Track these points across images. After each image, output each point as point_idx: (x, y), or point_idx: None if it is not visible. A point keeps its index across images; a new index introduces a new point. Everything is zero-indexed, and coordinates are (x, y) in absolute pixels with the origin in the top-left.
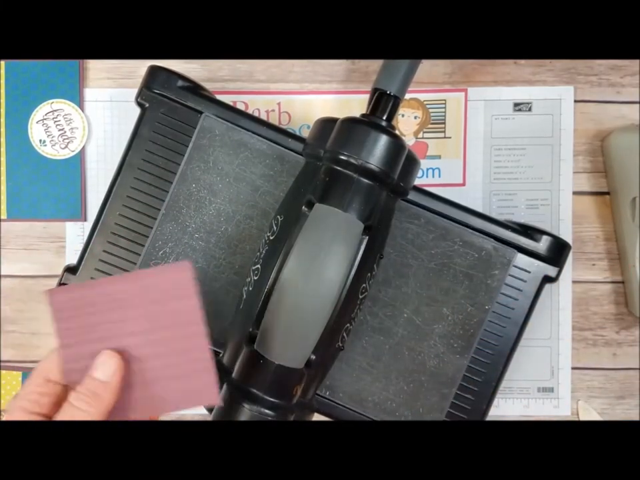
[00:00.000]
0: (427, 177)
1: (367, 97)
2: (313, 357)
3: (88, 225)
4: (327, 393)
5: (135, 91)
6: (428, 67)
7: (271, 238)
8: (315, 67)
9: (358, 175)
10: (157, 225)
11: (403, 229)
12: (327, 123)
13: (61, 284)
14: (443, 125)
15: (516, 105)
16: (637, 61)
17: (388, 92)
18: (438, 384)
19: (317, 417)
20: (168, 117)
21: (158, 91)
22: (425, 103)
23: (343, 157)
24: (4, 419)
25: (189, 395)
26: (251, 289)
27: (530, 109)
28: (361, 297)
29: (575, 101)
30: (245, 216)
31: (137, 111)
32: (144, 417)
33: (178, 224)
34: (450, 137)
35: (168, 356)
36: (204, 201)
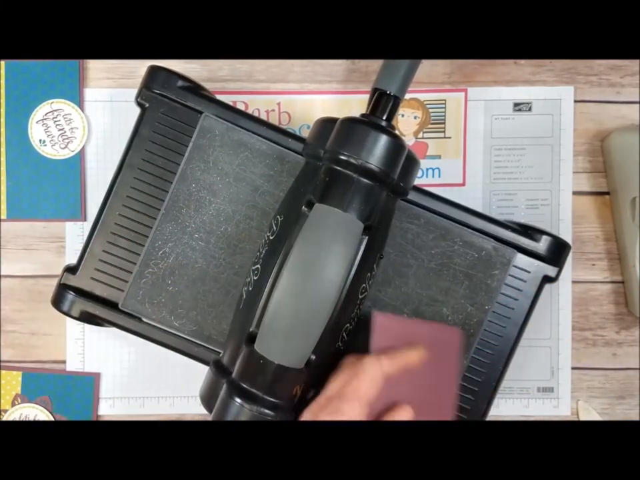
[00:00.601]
0: (427, 177)
1: (366, 97)
2: (313, 357)
3: (88, 225)
4: None
5: (134, 91)
6: (428, 67)
7: (271, 238)
8: (314, 67)
9: (358, 175)
10: (157, 225)
11: (402, 229)
12: (326, 123)
13: (60, 284)
14: (442, 125)
15: (516, 105)
16: (637, 60)
17: (388, 92)
18: None
19: None
20: (168, 117)
21: (158, 91)
22: (425, 103)
23: (342, 157)
24: None
25: (427, 413)
26: (250, 289)
27: (530, 109)
28: (360, 297)
29: (575, 101)
30: (245, 216)
31: (136, 110)
32: None
33: (178, 224)
34: (450, 137)
35: (428, 390)
36: (204, 200)
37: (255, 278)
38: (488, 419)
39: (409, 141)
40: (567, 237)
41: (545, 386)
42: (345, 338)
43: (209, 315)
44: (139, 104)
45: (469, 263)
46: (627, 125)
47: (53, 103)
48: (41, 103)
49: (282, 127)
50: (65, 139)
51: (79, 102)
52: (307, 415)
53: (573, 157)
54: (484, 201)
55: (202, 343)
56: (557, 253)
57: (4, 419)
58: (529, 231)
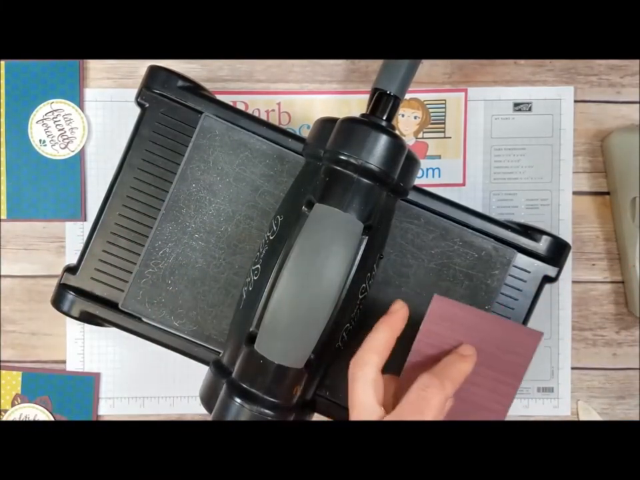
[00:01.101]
0: (427, 177)
1: (366, 97)
2: (313, 356)
3: (88, 225)
4: (327, 393)
5: (134, 91)
6: (428, 67)
7: (271, 238)
8: (314, 67)
9: (358, 175)
10: (157, 225)
11: (402, 229)
12: (326, 123)
13: (60, 284)
14: (442, 125)
15: (516, 105)
16: (637, 60)
17: (388, 92)
18: None
19: (317, 417)
20: (168, 117)
21: (158, 91)
22: (425, 103)
23: (342, 157)
24: None
25: (478, 416)
26: (250, 289)
27: (530, 109)
28: (360, 297)
29: (575, 101)
30: (245, 216)
31: (136, 110)
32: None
33: (178, 224)
34: (450, 137)
35: (480, 386)
36: (204, 201)
37: (255, 278)
38: None
39: (409, 141)
40: (567, 237)
41: (545, 386)
42: (345, 338)
43: (209, 315)
44: (139, 104)
45: (468, 262)
46: (627, 125)
47: (52, 103)
48: (41, 102)
49: (282, 127)
50: (65, 139)
51: (79, 102)
52: None
53: (573, 157)
54: (484, 201)
55: (202, 343)
56: (557, 252)
57: (4, 419)
58: (529, 231)
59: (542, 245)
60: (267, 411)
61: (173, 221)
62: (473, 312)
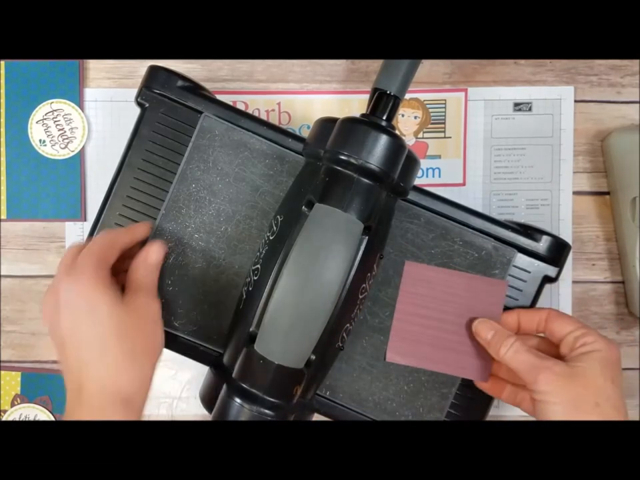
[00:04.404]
0: (427, 176)
1: (367, 97)
2: (313, 357)
3: (88, 225)
4: (327, 393)
5: (134, 91)
6: (428, 67)
7: (271, 238)
8: (314, 67)
9: (358, 175)
10: (157, 225)
11: (402, 229)
12: (326, 123)
13: None
14: (442, 125)
15: (516, 105)
16: (637, 60)
17: (388, 92)
18: (438, 384)
19: (317, 417)
20: (168, 117)
21: (158, 91)
22: (425, 102)
23: (343, 157)
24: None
25: (462, 367)
26: (250, 289)
27: (530, 109)
28: (360, 297)
29: (575, 101)
30: (245, 216)
31: (136, 110)
32: (418, 365)
33: (178, 224)
34: (450, 137)
35: (461, 336)
36: (204, 200)
37: (255, 278)
38: (488, 419)
39: (409, 141)
40: (567, 237)
41: None
42: (345, 338)
43: (208, 315)
44: (139, 104)
45: (469, 262)
46: (627, 125)
47: (52, 103)
48: (41, 102)
49: (282, 127)
50: (64, 139)
51: (79, 102)
52: None
53: (573, 157)
54: (484, 201)
55: (202, 343)
56: (557, 252)
57: (4, 419)
58: (529, 231)
59: (542, 245)
60: (266, 411)
61: (173, 221)
62: (442, 271)
